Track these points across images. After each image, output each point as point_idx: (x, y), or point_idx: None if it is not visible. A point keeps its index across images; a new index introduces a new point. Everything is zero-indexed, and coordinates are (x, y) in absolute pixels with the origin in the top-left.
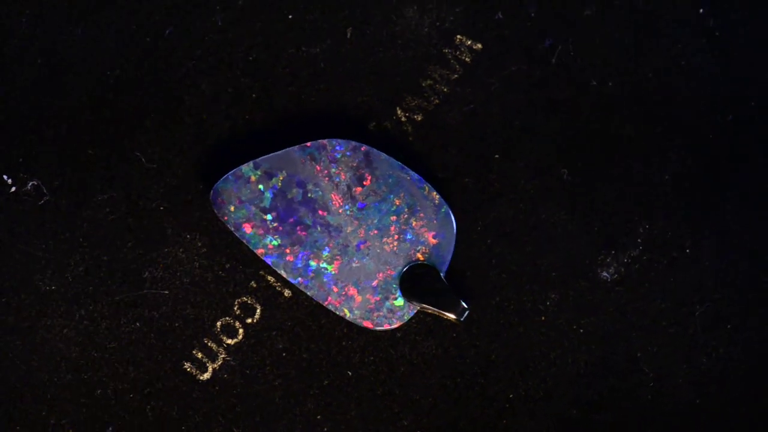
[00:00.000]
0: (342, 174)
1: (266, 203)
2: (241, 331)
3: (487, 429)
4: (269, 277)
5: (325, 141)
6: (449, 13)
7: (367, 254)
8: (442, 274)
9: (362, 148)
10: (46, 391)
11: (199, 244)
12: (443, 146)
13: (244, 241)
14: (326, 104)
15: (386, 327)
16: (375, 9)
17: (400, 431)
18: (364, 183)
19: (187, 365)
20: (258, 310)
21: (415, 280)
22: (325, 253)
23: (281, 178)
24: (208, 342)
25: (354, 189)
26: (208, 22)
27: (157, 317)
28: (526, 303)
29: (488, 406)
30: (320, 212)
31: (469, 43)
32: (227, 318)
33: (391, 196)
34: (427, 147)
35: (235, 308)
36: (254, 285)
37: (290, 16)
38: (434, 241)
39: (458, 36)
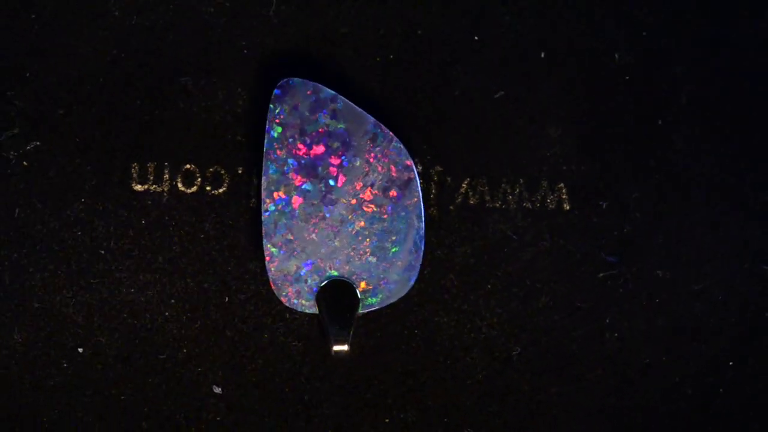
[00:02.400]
0: (378, 171)
1: (310, 130)
2: (195, 188)
3: None
4: (254, 179)
5: (394, 137)
6: (574, 163)
7: (331, 240)
8: (358, 312)
9: (411, 174)
10: None
11: (240, 103)
12: (463, 237)
13: (267, 136)
14: (429, 115)
15: (282, 300)
16: (528, 103)
17: (209, 383)
18: (385, 194)
19: (134, 168)
20: (222, 189)
21: (337, 295)
22: (306, 207)
23: (339, 126)
24: (166, 170)
25: (371, 189)
26: None
27: (147, 120)
28: (397, 398)
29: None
30: (339, 178)
31: (564, 196)
32: (195, 168)
33: (391, 225)
34: (452, 226)
35: (209, 170)
36: (240, 171)
37: (476, 37)
38: (381, 286)
39: (564, 199)
